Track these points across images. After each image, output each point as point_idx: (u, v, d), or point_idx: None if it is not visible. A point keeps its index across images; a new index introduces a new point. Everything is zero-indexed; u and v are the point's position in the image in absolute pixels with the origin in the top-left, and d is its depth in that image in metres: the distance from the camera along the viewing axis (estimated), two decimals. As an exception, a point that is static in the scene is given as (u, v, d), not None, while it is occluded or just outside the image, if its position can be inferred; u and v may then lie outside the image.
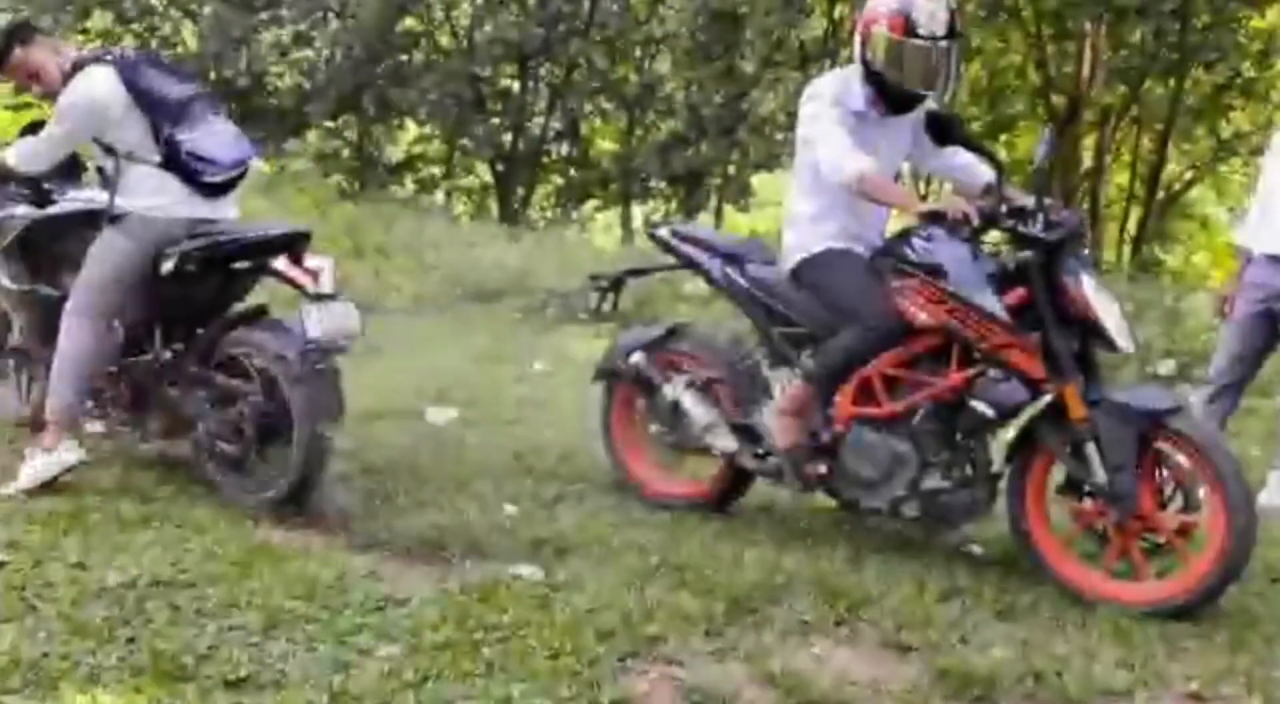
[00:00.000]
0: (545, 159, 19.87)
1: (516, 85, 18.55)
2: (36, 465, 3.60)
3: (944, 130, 3.21)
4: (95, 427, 4.04)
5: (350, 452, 4.31)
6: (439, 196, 20.27)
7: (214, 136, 3.71)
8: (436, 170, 21.10)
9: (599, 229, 20.40)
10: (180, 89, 3.70)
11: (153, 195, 3.63)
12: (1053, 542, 3.27)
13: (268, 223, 3.78)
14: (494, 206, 19.61)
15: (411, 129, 20.82)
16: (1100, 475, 3.09)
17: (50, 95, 3.68)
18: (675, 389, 3.67)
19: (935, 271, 3.22)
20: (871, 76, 3.33)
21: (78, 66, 3.62)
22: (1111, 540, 3.20)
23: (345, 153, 20.12)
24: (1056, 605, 3.15)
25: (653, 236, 3.82)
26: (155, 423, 3.85)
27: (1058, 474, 3.30)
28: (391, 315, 7.70)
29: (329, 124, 19.38)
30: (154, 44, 19.55)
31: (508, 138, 18.80)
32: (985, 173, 3.57)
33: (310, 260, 3.64)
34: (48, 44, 3.68)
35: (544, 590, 3.05)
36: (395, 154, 21.40)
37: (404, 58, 18.45)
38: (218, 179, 3.68)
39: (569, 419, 5.03)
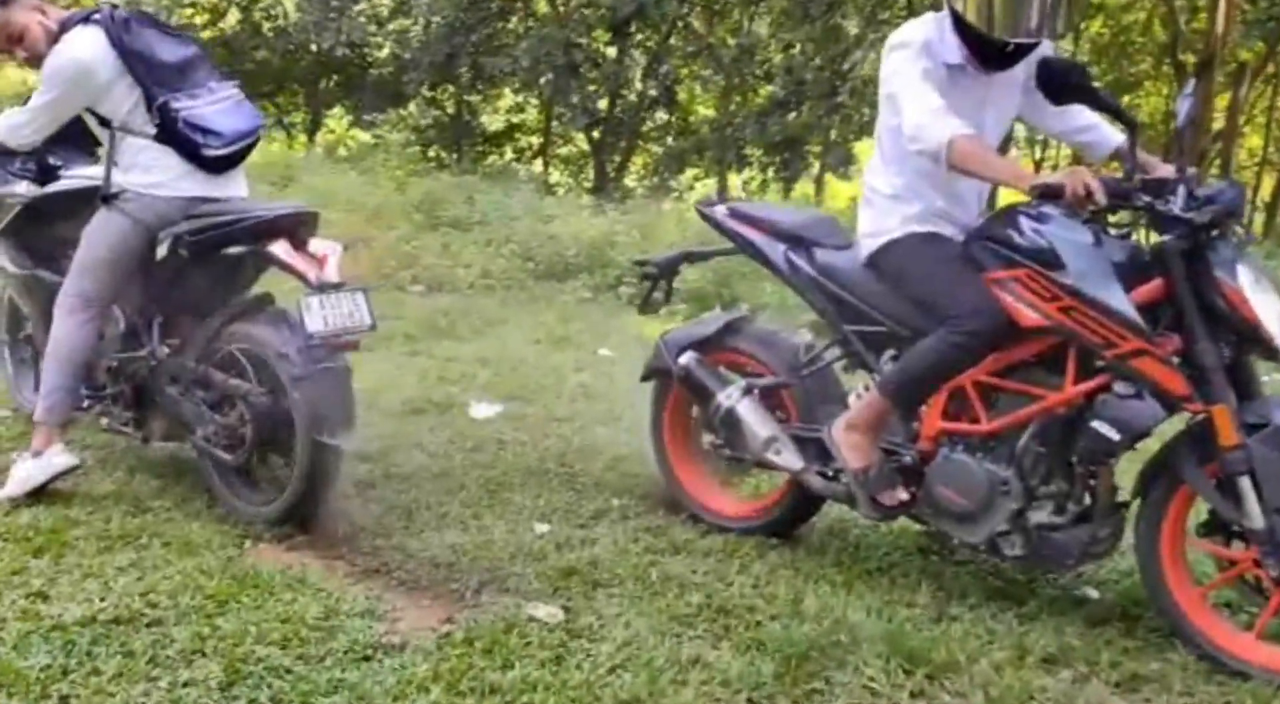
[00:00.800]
0: (643, 126, 19.36)
1: (612, 51, 18.00)
2: (26, 471, 3.28)
3: (1063, 84, 2.54)
4: (104, 422, 3.70)
5: (378, 453, 3.92)
6: (538, 166, 19.98)
7: (215, 105, 3.31)
8: (535, 140, 20.78)
9: (699, 198, 19.81)
10: (176, 52, 3.30)
11: (148, 171, 3.26)
12: (1191, 593, 2.65)
13: (272, 202, 3.35)
14: (592, 176, 19.21)
15: (509, 99, 20.54)
16: (1256, 517, 2.46)
17: (36, 60, 3.30)
18: (730, 396, 3.12)
19: (1048, 260, 2.60)
20: (959, 26, 2.71)
21: (65, 28, 3.25)
22: (1268, 595, 2.56)
23: (444, 123, 19.94)
24: (1192, 675, 2.53)
25: (704, 216, 3.26)
26: (158, 424, 3.49)
27: (1200, 509, 2.68)
28: (456, 294, 7.32)
29: (428, 94, 19.23)
30: (256, 15, 19.79)
31: (603, 105, 18.32)
32: (1114, 136, 2.94)
33: (316, 244, 3.21)
34: (32, 4, 3.30)
35: (561, 638, 2.58)
36: (494, 123, 21.16)
37: (499, 24, 18.12)
38: (220, 152, 3.28)
39: (626, 415, 4.52)
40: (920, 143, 2.63)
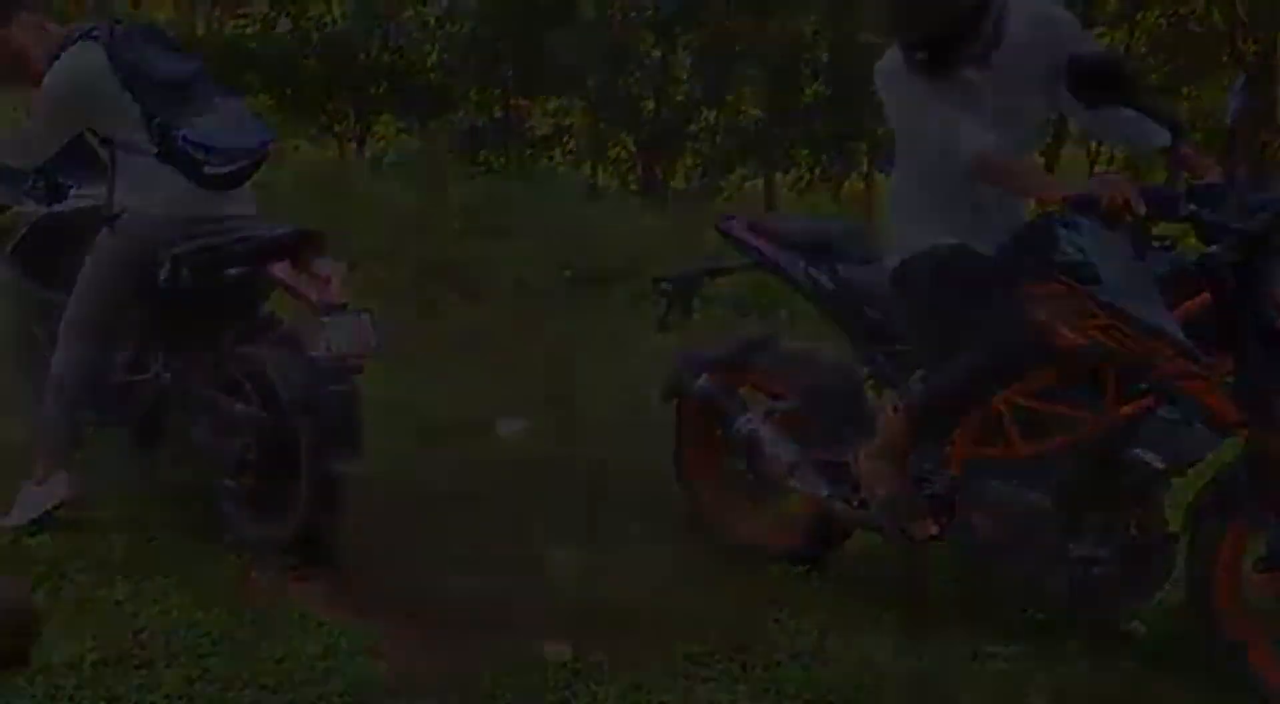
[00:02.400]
0: (690, 127, 19.18)
1: (657, 51, 17.86)
2: (29, 499, 3.21)
3: (1095, 83, 2.34)
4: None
5: (395, 479, 3.79)
6: (587, 170, 19.89)
7: (218, 121, 3.21)
8: (584, 142, 20.70)
9: (749, 200, 19.59)
10: (177, 67, 3.22)
11: (149, 191, 3.17)
12: (1253, 634, 2.43)
13: (272, 223, 3.26)
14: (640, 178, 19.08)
15: (556, 101, 20.48)
16: (1320, 553, 2.25)
17: (37, 78, 3.23)
18: (750, 421, 2.96)
19: (1084, 274, 2.40)
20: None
21: (65, 45, 3.18)
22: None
23: (491, 127, 19.94)
24: (1253, 727, 2.33)
25: (724, 233, 3.10)
26: (166, 449, 3.41)
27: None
28: (490, 304, 7.20)
29: (475, 98, 19.25)
30: (305, 24, 19.96)
31: (648, 107, 18.18)
32: (1159, 133, 2.72)
33: (320, 264, 3.10)
34: (32, 21, 3.23)
35: (568, 679, 2.46)
36: (543, 127, 21.11)
37: (543, 27, 18.08)
38: (222, 170, 3.18)
39: (660, 432, 4.36)
40: (947, 159, 2.44)
